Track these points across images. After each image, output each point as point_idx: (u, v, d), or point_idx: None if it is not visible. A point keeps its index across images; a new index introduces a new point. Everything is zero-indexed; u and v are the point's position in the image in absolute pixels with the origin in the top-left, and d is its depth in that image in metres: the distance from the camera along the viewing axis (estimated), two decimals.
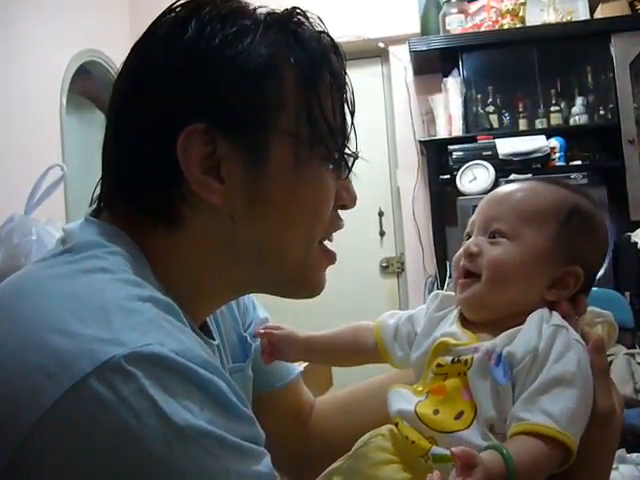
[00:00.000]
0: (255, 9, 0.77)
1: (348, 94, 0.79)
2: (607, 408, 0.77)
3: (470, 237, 0.89)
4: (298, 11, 0.77)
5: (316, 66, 0.75)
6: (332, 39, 0.79)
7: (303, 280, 0.82)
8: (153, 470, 0.54)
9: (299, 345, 0.98)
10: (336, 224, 0.83)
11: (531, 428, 0.71)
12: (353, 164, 0.81)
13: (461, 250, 0.88)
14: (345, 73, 0.79)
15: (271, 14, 0.76)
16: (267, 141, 0.73)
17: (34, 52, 3.39)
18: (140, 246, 0.73)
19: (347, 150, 0.80)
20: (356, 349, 0.97)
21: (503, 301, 0.84)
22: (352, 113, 0.79)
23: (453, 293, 0.90)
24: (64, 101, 3.63)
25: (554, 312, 0.81)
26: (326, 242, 0.84)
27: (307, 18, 0.77)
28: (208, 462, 0.56)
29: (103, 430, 0.53)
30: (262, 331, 0.97)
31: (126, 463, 0.54)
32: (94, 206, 0.78)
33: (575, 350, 0.76)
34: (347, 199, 0.83)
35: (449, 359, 0.81)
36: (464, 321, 0.86)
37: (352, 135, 0.80)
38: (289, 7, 0.78)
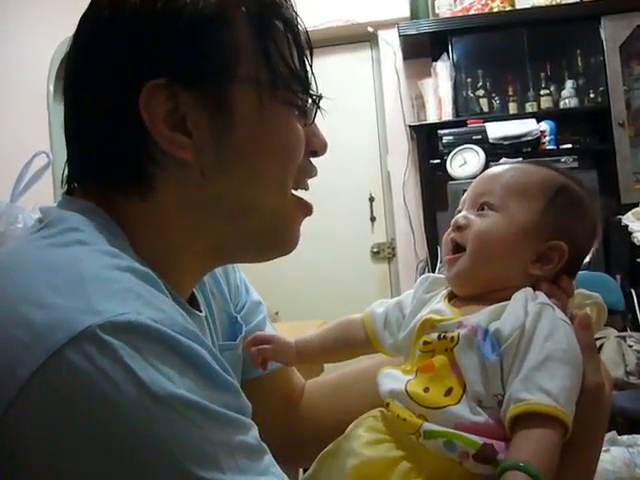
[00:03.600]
0: None
1: (302, 37, 0.78)
2: (595, 384, 0.77)
3: None
4: None
5: (267, 12, 0.75)
6: None
7: (276, 234, 0.81)
8: (135, 440, 0.53)
9: (292, 353, 0.99)
10: (309, 171, 0.83)
11: (530, 408, 0.71)
12: (318, 108, 0.81)
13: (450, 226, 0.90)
14: (297, 17, 0.78)
15: None
16: (228, 89, 0.72)
17: (21, 39, 3.37)
18: (115, 219, 0.73)
19: (311, 93, 0.79)
20: (348, 344, 0.97)
21: (488, 273, 0.85)
22: (310, 55, 0.79)
23: (443, 276, 0.91)
24: (52, 88, 3.61)
25: (538, 292, 0.81)
26: (302, 192, 0.83)
27: None
28: (191, 432, 0.55)
29: (81, 401, 0.53)
30: (255, 349, 0.97)
31: (107, 434, 0.53)
32: (66, 187, 0.78)
33: (563, 328, 0.77)
34: (317, 145, 0.82)
35: (435, 336, 0.82)
36: (451, 299, 0.87)
37: (312, 78, 0.79)
38: None
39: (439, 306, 0.86)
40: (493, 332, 0.77)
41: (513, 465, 0.69)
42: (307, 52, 0.79)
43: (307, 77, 0.78)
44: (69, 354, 0.53)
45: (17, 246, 0.69)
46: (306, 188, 0.83)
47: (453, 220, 0.89)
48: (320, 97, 0.80)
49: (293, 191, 0.81)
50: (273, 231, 0.80)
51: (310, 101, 0.79)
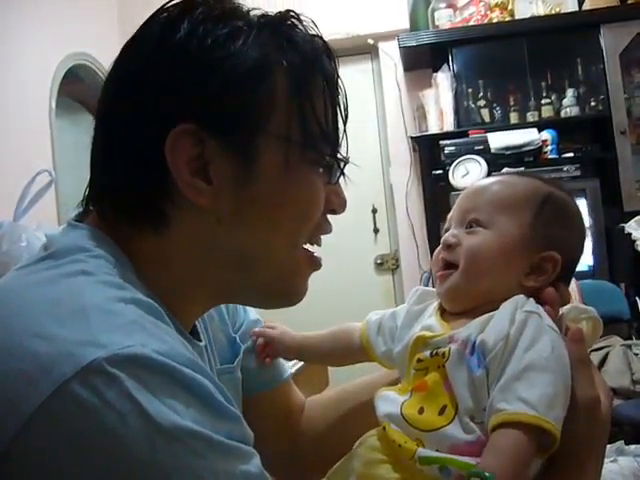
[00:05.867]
0: (249, 11, 0.76)
1: (341, 98, 0.78)
2: (590, 398, 0.77)
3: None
4: (292, 14, 0.76)
5: (309, 69, 0.75)
6: (325, 43, 0.78)
7: (283, 286, 0.81)
8: (139, 472, 0.53)
9: (292, 345, 1.01)
10: (324, 228, 0.82)
11: (509, 418, 0.71)
12: (344, 169, 0.81)
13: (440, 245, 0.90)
14: (338, 77, 0.78)
15: (264, 16, 0.76)
16: (257, 143, 0.72)
17: (23, 56, 3.38)
18: (124, 249, 0.73)
19: (338, 154, 0.79)
20: (345, 348, 0.99)
21: (481, 289, 0.85)
22: (345, 117, 0.79)
23: (432, 288, 0.91)
24: (54, 104, 3.62)
25: (530, 299, 0.81)
26: (312, 247, 0.83)
27: (301, 21, 0.77)
28: (195, 462, 0.55)
29: (87, 434, 0.53)
30: (257, 330, 1.00)
31: (112, 465, 0.53)
32: (77, 211, 0.78)
33: (549, 336, 0.76)
34: (337, 204, 0.82)
35: (428, 353, 0.82)
36: (443, 312, 0.87)
37: (343, 140, 0.79)
38: (283, 10, 0.77)
39: (430, 321, 0.86)
40: (479, 344, 0.77)
41: (477, 473, 0.69)
42: (342, 112, 0.78)
43: (338, 139, 0.78)
44: (75, 387, 0.53)
45: (20, 276, 0.68)
46: (319, 244, 0.83)
47: (443, 239, 0.89)
48: (347, 161, 0.80)
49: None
50: (279, 283, 0.80)
51: (337, 162, 0.79)
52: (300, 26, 0.76)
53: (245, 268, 0.77)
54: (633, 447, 2.37)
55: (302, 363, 2.00)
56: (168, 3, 0.75)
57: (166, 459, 0.54)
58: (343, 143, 0.79)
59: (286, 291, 0.82)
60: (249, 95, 0.71)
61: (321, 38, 0.78)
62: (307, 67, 0.75)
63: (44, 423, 0.53)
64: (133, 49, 0.76)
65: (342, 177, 0.82)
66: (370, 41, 4.42)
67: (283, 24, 0.76)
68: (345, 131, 0.79)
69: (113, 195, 0.75)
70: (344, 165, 0.80)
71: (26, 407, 0.53)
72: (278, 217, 0.75)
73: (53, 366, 0.54)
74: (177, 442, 0.54)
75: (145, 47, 0.74)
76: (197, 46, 0.71)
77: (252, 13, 0.76)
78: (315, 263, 0.83)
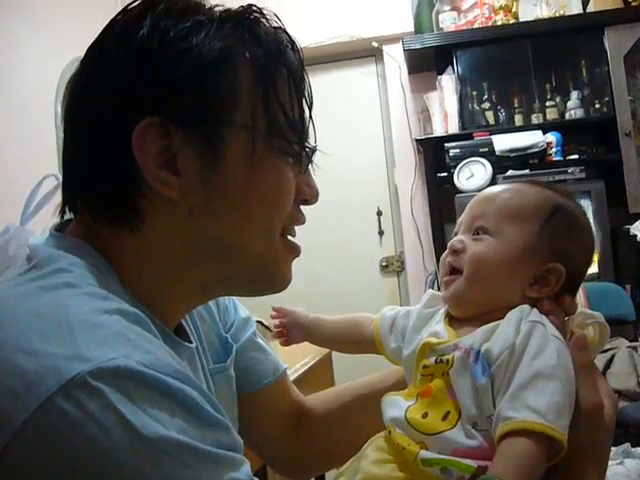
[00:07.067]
0: (212, 7, 0.77)
1: (306, 89, 0.79)
2: (594, 404, 0.77)
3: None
4: (254, 8, 0.77)
5: (272, 60, 0.76)
6: (289, 35, 0.79)
7: (266, 274, 0.81)
8: None
9: (305, 323, 1.03)
10: (297, 219, 0.83)
11: (518, 426, 0.72)
12: (312, 157, 0.81)
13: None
14: (303, 69, 0.79)
15: (227, 10, 0.77)
16: (222, 134, 0.73)
17: (28, 61, 3.39)
18: (104, 253, 0.73)
19: (307, 144, 0.80)
20: (356, 337, 1.00)
21: (485, 296, 0.85)
22: (310, 107, 0.79)
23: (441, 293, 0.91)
24: (59, 109, 3.62)
25: (534, 309, 0.82)
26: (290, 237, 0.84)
27: (264, 15, 0.77)
28: (181, 473, 0.55)
29: (72, 447, 0.53)
30: (276, 306, 1.04)
31: (98, 479, 0.53)
32: (58, 221, 0.79)
33: (554, 345, 0.77)
34: (309, 194, 0.82)
35: (433, 360, 0.83)
36: (451, 319, 0.88)
37: (311, 130, 0.80)
38: (245, 4, 0.78)
39: (437, 327, 0.86)
40: (483, 353, 0.78)
41: (487, 478, 0.69)
42: (308, 101, 0.79)
43: (304, 127, 0.79)
44: (59, 401, 0.53)
45: (6, 289, 0.68)
46: (293, 235, 0.83)
47: (449, 244, 0.90)
48: (314, 149, 0.81)
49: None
50: (261, 272, 0.80)
51: (305, 151, 0.80)
52: (263, 20, 0.77)
53: (224, 259, 0.77)
54: (639, 449, 2.37)
55: (307, 366, 2.01)
56: (131, 4, 0.76)
57: (152, 470, 0.53)
58: (311, 133, 0.80)
59: (270, 279, 0.82)
60: (212, 86, 0.72)
61: (284, 31, 0.78)
62: (270, 58, 0.75)
63: (31, 437, 0.53)
64: (97, 48, 0.76)
65: (312, 167, 0.82)
66: (374, 44, 4.42)
67: (245, 18, 0.76)
68: (311, 118, 0.80)
69: (87, 196, 0.75)
70: (312, 154, 0.81)
71: (13, 422, 0.53)
72: (248, 207, 0.76)
73: (39, 381, 0.54)
74: (162, 453, 0.54)
75: (109, 45, 0.74)
76: (159, 40, 0.71)
77: (215, 9, 0.77)
78: (294, 249, 0.83)
